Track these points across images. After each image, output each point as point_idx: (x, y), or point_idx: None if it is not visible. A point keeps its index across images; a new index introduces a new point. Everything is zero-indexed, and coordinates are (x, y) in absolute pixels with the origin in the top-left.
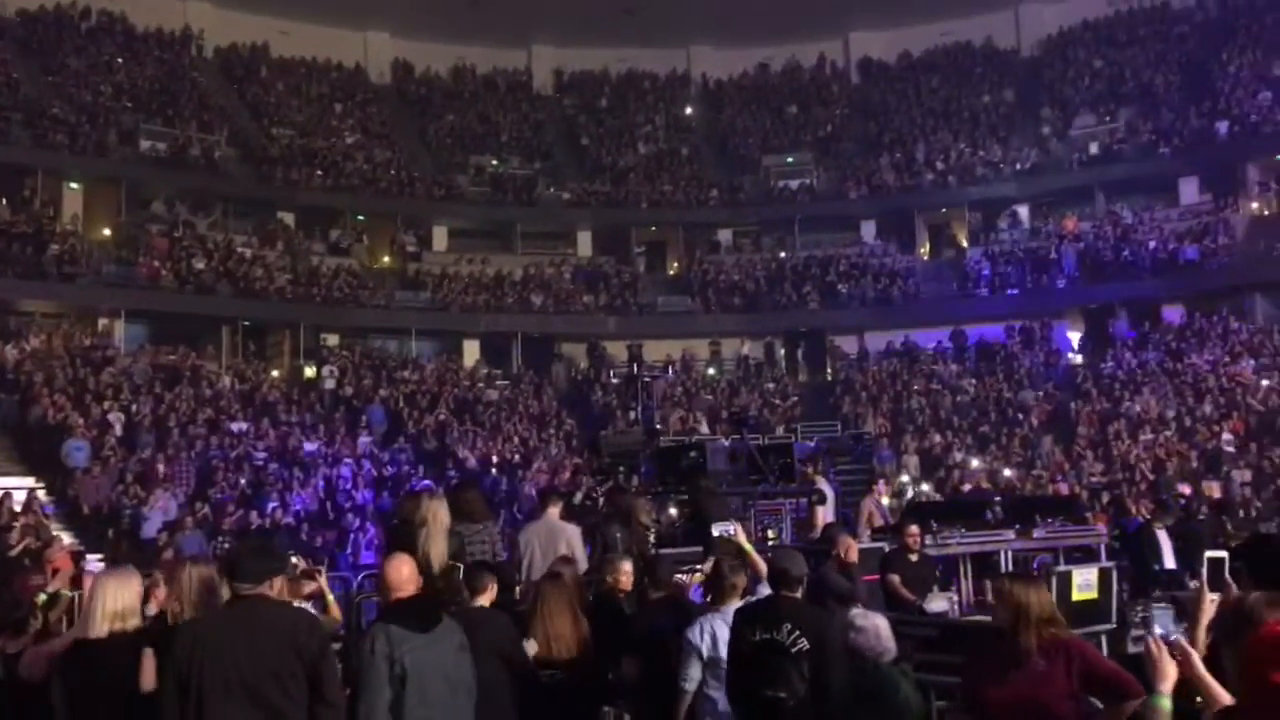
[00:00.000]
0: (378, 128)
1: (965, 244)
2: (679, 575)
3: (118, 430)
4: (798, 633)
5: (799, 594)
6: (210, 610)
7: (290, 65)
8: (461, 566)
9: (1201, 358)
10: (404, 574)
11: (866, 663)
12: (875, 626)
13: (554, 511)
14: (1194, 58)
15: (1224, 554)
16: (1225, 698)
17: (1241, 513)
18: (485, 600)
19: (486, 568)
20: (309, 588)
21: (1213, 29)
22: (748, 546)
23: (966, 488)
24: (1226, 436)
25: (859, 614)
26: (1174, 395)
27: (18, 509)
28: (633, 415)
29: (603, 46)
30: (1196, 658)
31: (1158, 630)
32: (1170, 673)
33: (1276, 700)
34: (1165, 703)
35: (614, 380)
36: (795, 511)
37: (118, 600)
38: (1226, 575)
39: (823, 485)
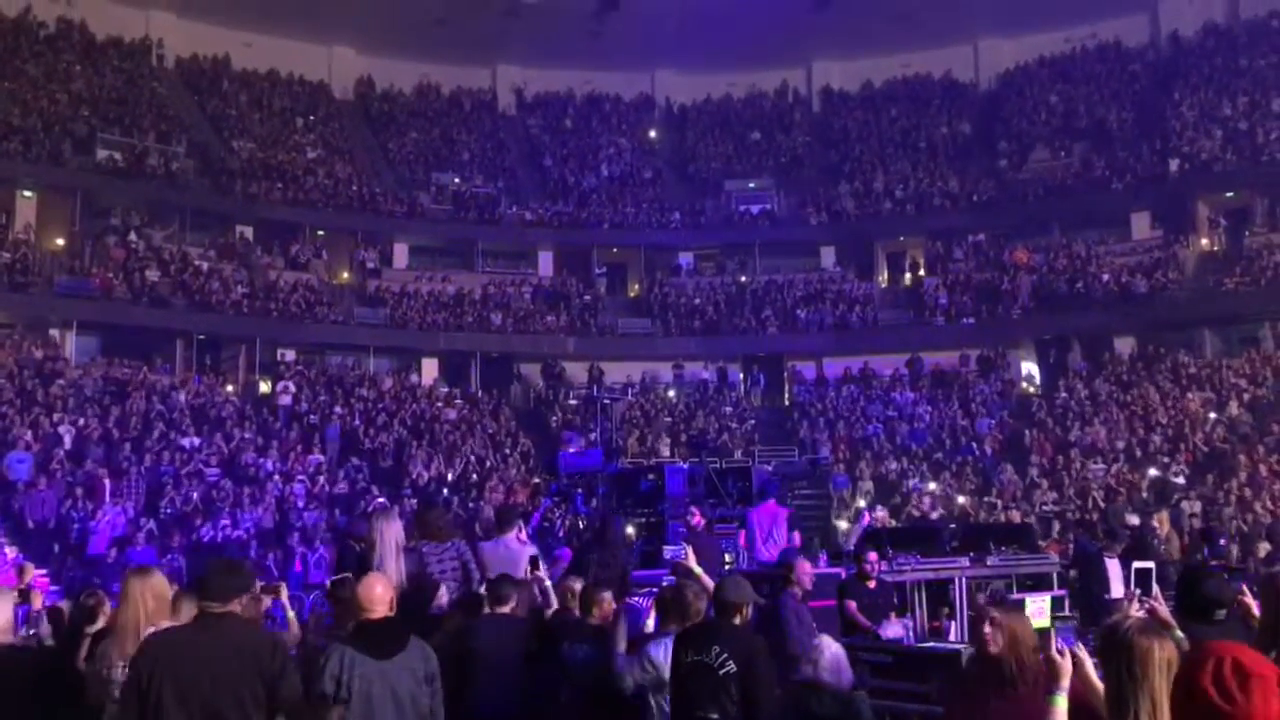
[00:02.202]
0: (340, 143)
1: (922, 272)
2: (636, 598)
3: (67, 443)
4: (725, 655)
5: (738, 620)
6: (171, 625)
7: (253, 78)
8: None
9: (1151, 390)
10: (375, 594)
11: (825, 691)
12: (835, 655)
13: (513, 534)
14: (1147, 96)
15: (1150, 564)
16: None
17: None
18: (507, 610)
19: (508, 580)
20: (266, 604)
21: (1165, 68)
22: (698, 569)
23: (935, 514)
24: (1175, 468)
25: (821, 642)
26: (1125, 426)
27: None
28: (592, 436)
29: (568, 68)
30: (1088, 663)
31: (1058, 641)
32: (1065, 675)
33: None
34: (1061, 701)
35: (573, 401)
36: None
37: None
38: (1153, 587)
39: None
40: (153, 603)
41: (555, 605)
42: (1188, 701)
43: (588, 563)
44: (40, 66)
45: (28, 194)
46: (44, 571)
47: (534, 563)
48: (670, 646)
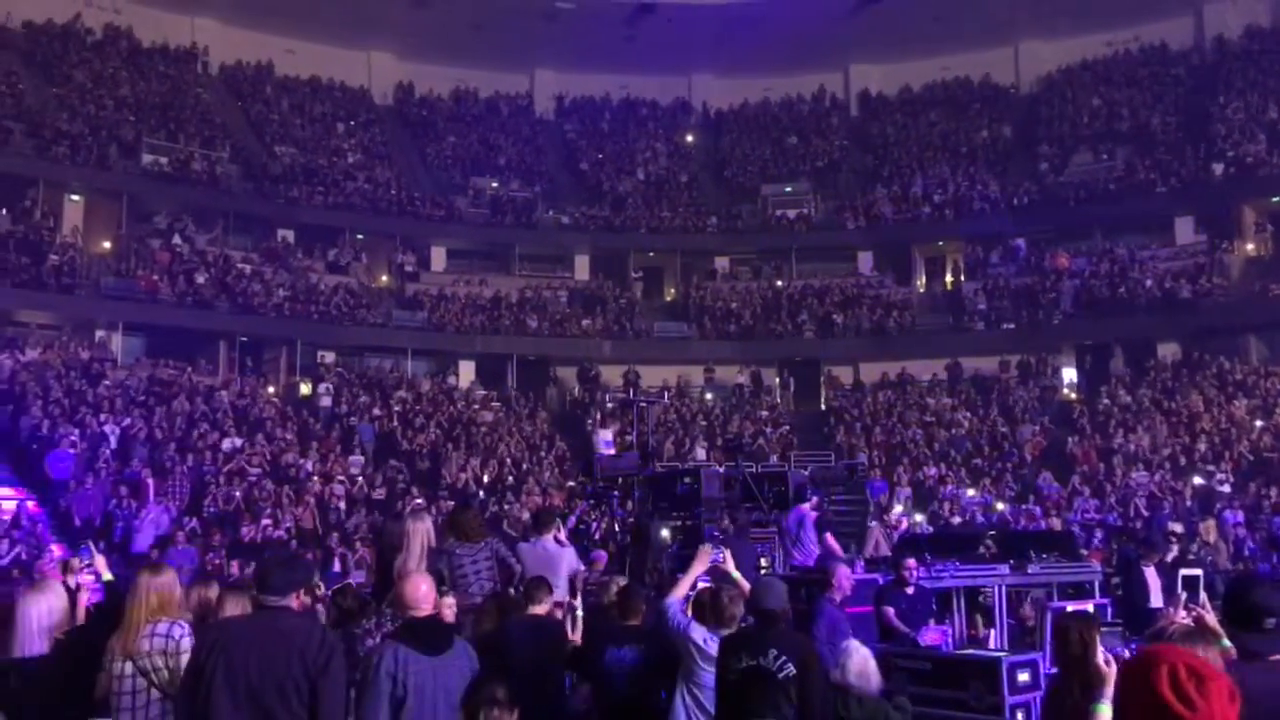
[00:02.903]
0: (379, 148)
1: (962, 277)
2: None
3: (113, 443)
4: (784, 658)
5: (780, 623)
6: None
7: (294, 84)
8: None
9: (1196, 397)
10: (421, 592)
11: (853, 695)
12: (863, 659)
13: (550, 535)
14: (1191, 99)
15: (1198, 571)
16: None
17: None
18: (542, 611)
19: (544, 581)
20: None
21: (1209, 71)
22: (736, 574)
23: (979, 519)
24: (1219, 476)
25: (849, 646)
26: (1168, 433)
27: (8, 520)
28: (628, 440)
29: (605, 72)
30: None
31: (1102, 649)
32: (1110, 683)
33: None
34: (1105, 709)
35: (609, 404)
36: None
37: (52, 615)
38: (1200, 594)
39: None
40: (155, 599)
41: (577, 639)
42: (1143, 709)
43: (627, 565)
44: (88, 73)
45: (75, 198)
46: (89, 564)
47: (572, 588)
48: (709, 639)
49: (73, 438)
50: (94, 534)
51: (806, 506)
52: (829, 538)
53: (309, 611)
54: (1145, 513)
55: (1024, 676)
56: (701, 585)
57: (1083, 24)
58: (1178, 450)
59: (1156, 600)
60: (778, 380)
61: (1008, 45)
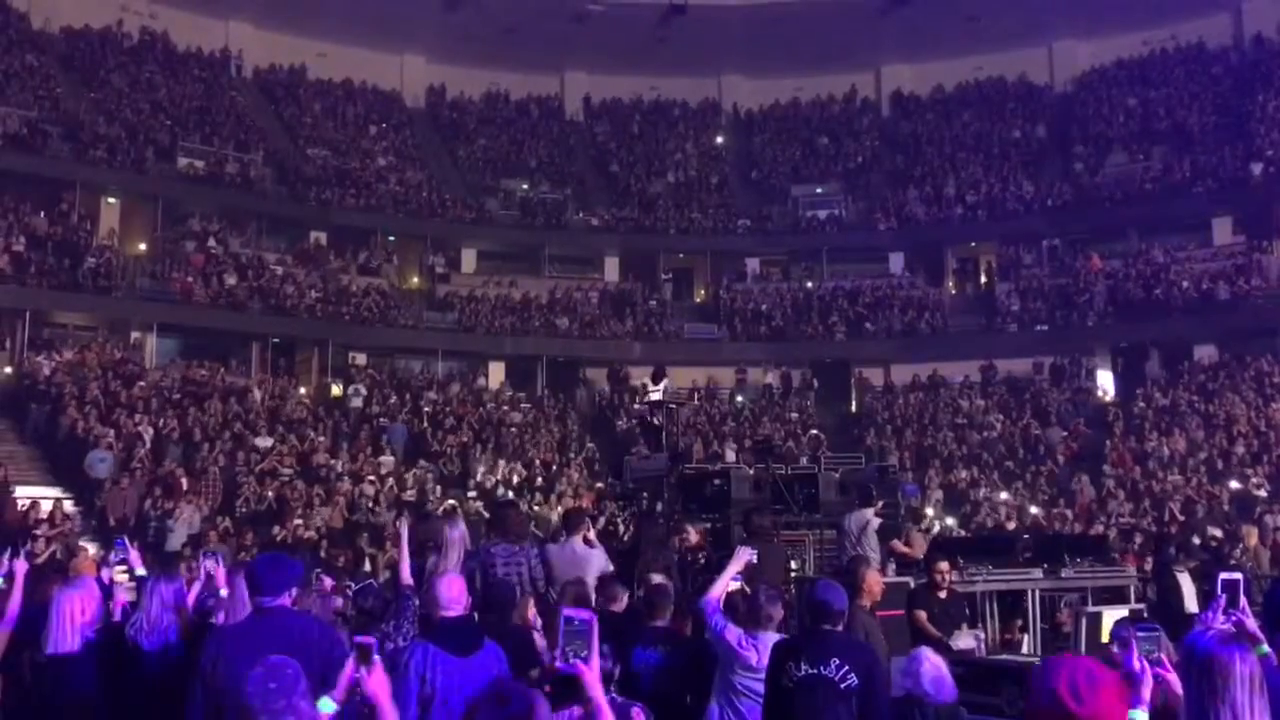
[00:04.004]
0: (411, 150)
1: (995, 278)
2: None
3: (147, 443)
4: (846, 667)
5: (840, 628)
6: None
7: (327, 87)
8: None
9: (1234, 399)
10: (453, 593)
11: (928, 705)
12: (935, 666)
13: (579, 536)
14: (1229, 98)
15: (1238, 576)
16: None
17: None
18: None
19: (616, 579)
20: (337, 603)
21: (1248, 70)
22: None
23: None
24: (1256, 480)
25: (920, 654)
26: (1205, 436)
27: (45, 519)
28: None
29: (634, 74)
30: (1174, 677)
31: (1137, 655)
32: (1146, 689)
33: None
34: (1141, 716)
35: (638, 405)
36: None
37: (87, 612)
38: (1240, 599)
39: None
40: (155, 605)
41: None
42: (1045, 711)
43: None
44: (125, 77)
45: (112, 200)
46: (122, 567)
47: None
48: (745, 641)
49: (109, 438)
50: (128, 533)
51: (870, 512)
52: (895, 543)
53: (304, 609)
54: (1180, 517)
55: None
56: (733, 585)
57: (1119, 23)
58: (1214, 454)
59: (1191, 605)
60: (814, 381)
61: (1042, 44)
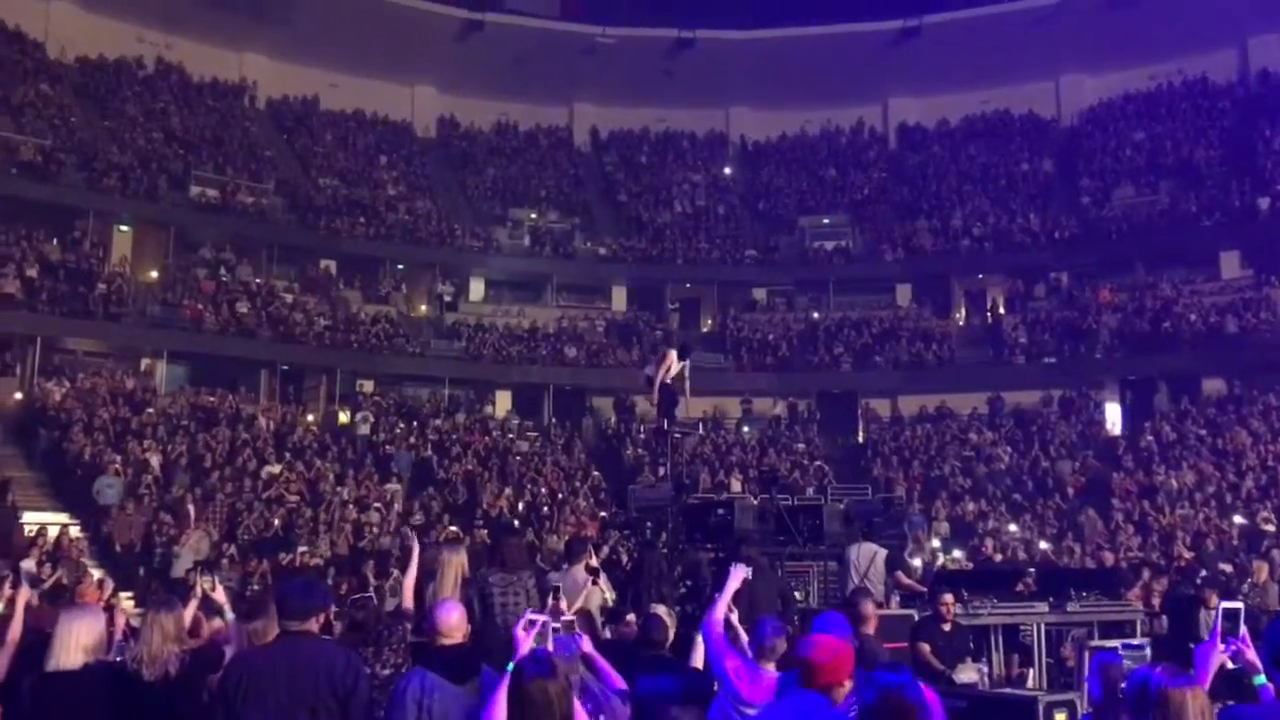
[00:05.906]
0: (421, 180)
1: (1002, 310)
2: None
3: (155, 469)
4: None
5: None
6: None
7: (339, 117)
8: None
9: (1242, 433)
10: (453, 620)
11: None
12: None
13: (582, 564)
14: (1235, 133)
15: (1239, 605)
16: None
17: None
18: None
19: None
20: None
21: (1254, 104)
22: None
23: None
24: (1264, 514)
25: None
26: (1214, 470)
27: (51, 544)
28: (661, 471)
29: (643, 106)
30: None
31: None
32: None
33: None
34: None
35: (643, 435)
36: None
37: (90, 635)
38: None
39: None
40: (157, 637)
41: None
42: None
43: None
44: (139, 106)
45: (124, 228)
46: (129, 594)
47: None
48: (742, 672)
49: (117, 464)
50: (135, 559)
51: (875, 546)
52: (900, 575)
53: (328, 635)
54: (1189, 552)
55: (1061, 716)
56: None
57: (1125, 57)
58: (1223, 487)
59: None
60: (818, 413)
61: (1049, 79)
